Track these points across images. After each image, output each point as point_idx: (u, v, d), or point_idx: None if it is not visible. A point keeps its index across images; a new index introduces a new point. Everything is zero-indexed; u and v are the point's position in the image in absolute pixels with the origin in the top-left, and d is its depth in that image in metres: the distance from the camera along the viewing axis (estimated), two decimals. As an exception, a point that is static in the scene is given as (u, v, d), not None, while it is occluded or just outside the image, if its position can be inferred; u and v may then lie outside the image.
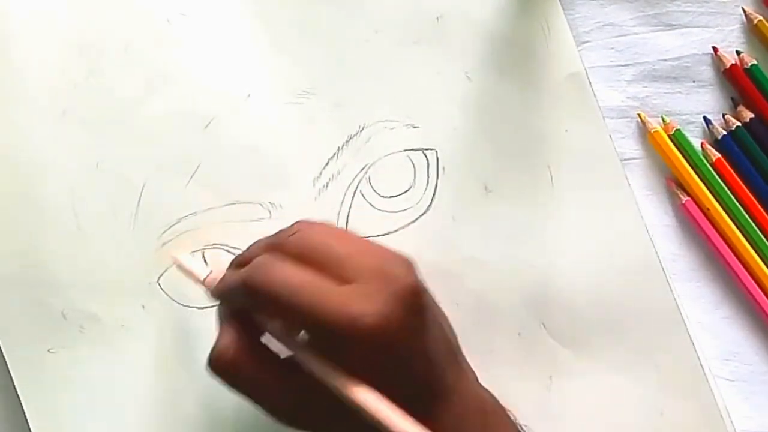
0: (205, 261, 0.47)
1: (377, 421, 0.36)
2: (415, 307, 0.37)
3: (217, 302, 0.42)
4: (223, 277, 0.41)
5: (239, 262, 0.41)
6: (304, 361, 0.38)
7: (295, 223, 0.40)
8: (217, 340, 0.40)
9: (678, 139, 0.49)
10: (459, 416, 0.39)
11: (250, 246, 0.42)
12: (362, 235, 0.47)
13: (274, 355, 0.40)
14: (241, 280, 0.39)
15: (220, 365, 0.39)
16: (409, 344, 0.37)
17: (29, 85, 0.47)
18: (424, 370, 0.38)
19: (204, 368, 0.40)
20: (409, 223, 0.48)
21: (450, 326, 0.42)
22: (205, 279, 0.43)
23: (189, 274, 0.44)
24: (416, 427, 0.36)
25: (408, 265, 0.38)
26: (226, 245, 0.47)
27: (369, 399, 0.36)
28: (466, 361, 0.42)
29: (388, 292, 0.36)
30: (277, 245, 0.39)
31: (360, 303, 0.36)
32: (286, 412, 0.39)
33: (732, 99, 0.49)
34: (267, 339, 0.40)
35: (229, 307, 0.41)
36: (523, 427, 0.42)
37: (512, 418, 0.42)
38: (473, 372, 0.42)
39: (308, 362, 0.38)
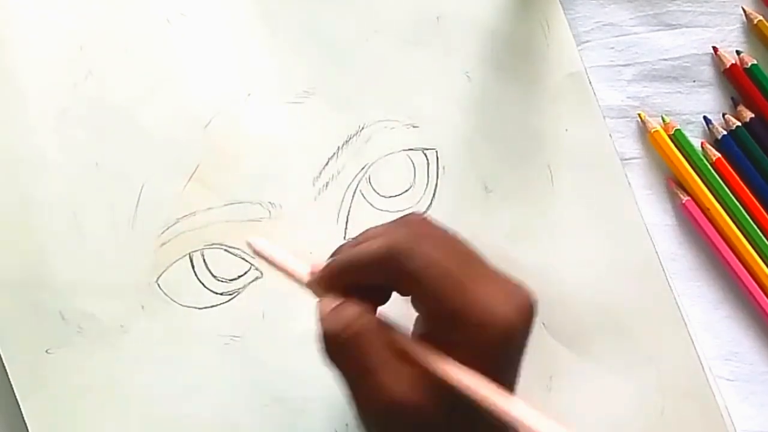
0: (204, 262, 0.47)
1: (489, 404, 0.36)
2: (532, 320, 0.38)
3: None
4: (356, 246, 0.39)
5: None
6: (417, 352, 0.37)
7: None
8: (336, 313, 0.38)
9: (678, 139, 0.49)
10: None
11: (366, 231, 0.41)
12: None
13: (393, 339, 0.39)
14: (385, 246, 0.37)
15: (345, 337, 0.37)
16: (521, 349, 0.38)
17: (29, 84, 0.47)
18: (515, 378, 0.39)
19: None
20: (409, 223, 0.48)
21: None
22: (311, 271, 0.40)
23: (278, 264, 0.41)
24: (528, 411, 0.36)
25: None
26: (226, 245, 0.47)
27: (481, 385, 0.36)
28: None
29: (520, 295, 0.37)
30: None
31: (498, 296, 0.37)
32: (394, 403, 0.37)
33: (732, 99, 0.49)
34: None
35: (345, 284, 0.39)
36: None
37: None
38: None
39: (422, 352, 0.37)
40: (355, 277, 0.39)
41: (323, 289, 0.40)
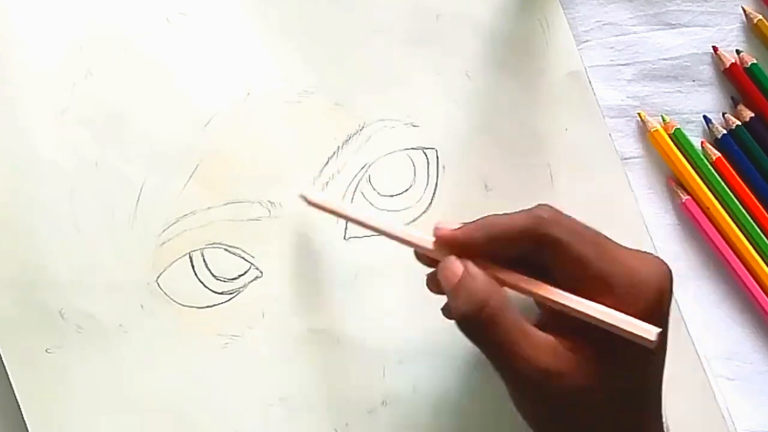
0: (204, 261, 0.47)
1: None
2: (672, 286, 0.40)
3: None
4: (487, 220, 0.40)
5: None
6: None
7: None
8: (472, 291, 0.38)
9: (678, 138, 0.49)
10: None
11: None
12: (362, 235, 0.47)
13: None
14: (532, 216, 0.39)
15: (484, 317, 0.38)
16: (667, 316, 0.40)
17: (29, 84, 0.47)
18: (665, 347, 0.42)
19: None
20: (410, 222, 0.48)
21: None
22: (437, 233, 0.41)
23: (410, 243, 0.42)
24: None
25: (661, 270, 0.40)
26: (226, 244, 0.47)
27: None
28: None
29: (661, 263, 0.39)
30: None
31: (643, 262, 0.39)
32: (540, 371, 0.38)
33: (732, 98, 0.49)
34: None
35: (480, 252, 0.40)
36: None
37: None
38: None
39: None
40: (497, 245, 0.40)
41: (455, 251, 0.40)
